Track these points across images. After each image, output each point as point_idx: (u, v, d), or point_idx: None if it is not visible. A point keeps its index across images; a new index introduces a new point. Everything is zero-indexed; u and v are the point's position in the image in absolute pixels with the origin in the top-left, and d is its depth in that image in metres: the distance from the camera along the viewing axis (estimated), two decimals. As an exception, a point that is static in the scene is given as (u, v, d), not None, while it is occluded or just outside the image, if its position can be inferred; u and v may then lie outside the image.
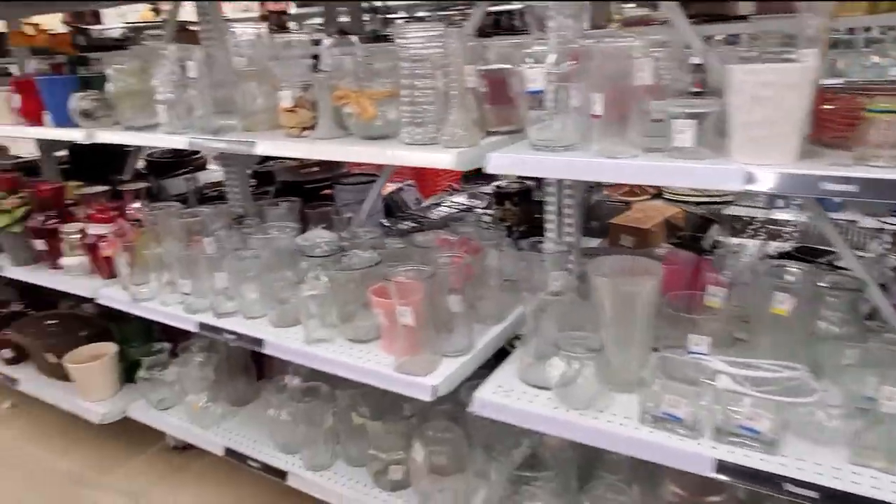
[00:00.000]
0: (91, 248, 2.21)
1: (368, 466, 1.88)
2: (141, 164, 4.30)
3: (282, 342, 1.75)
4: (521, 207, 2.58)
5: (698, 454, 1.20)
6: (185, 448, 2.50)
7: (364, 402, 1.87)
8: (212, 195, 3.10)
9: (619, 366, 1.38)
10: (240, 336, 1.82)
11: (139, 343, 2.47)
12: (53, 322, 2.62)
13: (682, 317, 1.44)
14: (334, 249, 1.78)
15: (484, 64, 1.59)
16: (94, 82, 2.22)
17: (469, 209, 2.72)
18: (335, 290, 1.70)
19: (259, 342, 1.78)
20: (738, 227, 2.51)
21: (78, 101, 2.10)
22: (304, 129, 1.73)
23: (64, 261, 2.29)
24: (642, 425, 1.29)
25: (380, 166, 3.02)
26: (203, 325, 1.91)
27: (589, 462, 1.63)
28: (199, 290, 1.96)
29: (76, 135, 2.14)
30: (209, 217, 2.07)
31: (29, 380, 2.59)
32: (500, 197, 2.64)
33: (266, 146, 1.71)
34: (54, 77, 2.18)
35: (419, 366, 1.53)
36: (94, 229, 2.20)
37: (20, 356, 2.72)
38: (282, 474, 1.95)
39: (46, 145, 3.29)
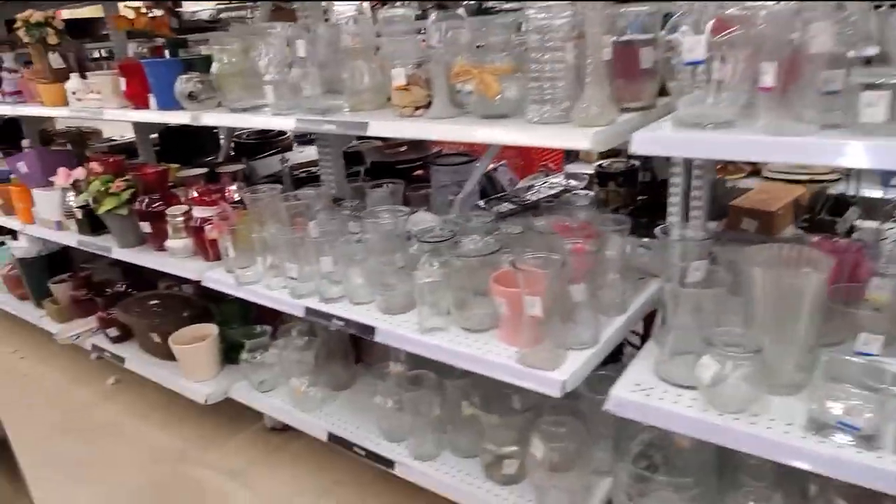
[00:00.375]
0: (196, 231, 2.22)
1: (480, 458, 1.82)
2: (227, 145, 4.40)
3: (394, 330, 1.69)
4: (627, 189, 2.45)
5: (882, 470, 1.07)
6: (283, 429, 2.52)
7: (475, 393, 1.81)
8: (301, 176, 3.09)
9: (776, 366, 1.25)
10: (349, 322, 1.78)
11: (238, 324, 2.49)
12: (156, 302, 2.67)
13: (844, 312, 1.30)
14: (448, 234, 1.70)
15: (612, 33, 1.46)
16: (197, 64, 2.21)
17: (566, 190, 2.60)
18: (450, 276, 1.63)
19: (370, 329, 1.73)
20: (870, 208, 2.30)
21: (183, 84, 2.09)
22: (418, 108, 1.66)
23: (169, 243, 2.31)
24: (809, 433, 1.16)
25: (477, 146, 2.94)
26: (310, 311, 1.88)
27: (723, 465, 1.51)
28: (304, 274, 1.93)
29: (182, 117, 2.13)
30: (312, 200, 2.03)
31: (134, 358, 2.66)
32: (602, 178, 2.51)
33: (379, 127, 1.65)
34: (159, 60, 2.19)
35: (545, 359, 1.44)
36: (199, 212, 2.20)
37: (125, 335, 2.79)
38: (389, 463, 1.91)
39: (142, 128, 3.36)
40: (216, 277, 2.16)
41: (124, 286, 2.87)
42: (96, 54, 4.02)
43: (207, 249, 2.23)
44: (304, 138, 3.78)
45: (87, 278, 3.00)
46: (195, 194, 2.30)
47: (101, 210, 2.37)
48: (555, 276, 1.37)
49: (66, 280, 3.04)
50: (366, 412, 2.14)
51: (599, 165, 2.55)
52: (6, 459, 1.33)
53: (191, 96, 2.09)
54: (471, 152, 2.65)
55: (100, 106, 2.46)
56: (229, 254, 2.06)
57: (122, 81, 2.27)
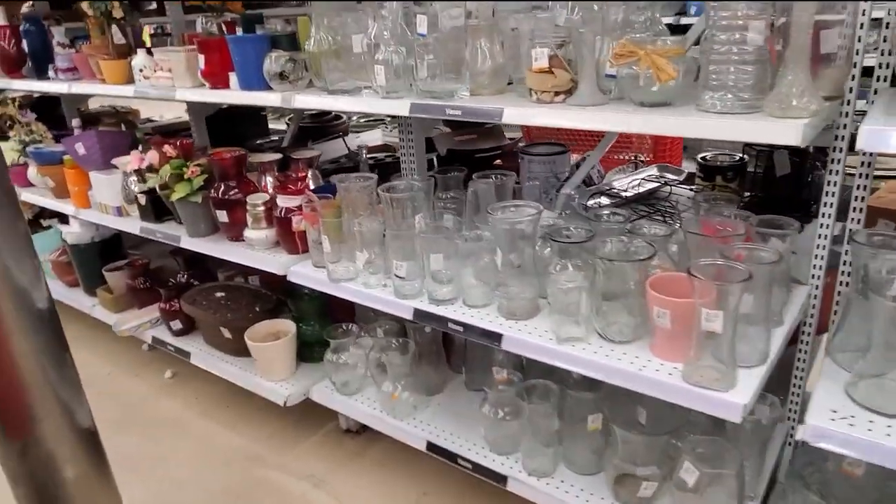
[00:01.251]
0: (280, 222, 2.06)
1: (606, 476, 1.67)
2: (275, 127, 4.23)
3: (524, 338, 1.54)
4: (737, 184, 2.27)
5: None
6: (358, 432, 2.38)
7: (602, 406, 1.66)
8: (370, 163, 2.92)
9: None
10: (469, 328, 1.63)
11: (314, 321, 2.34)
12: (223, 295, 2.52)
13: None
14: (584, 234, 1.54)
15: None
16: (283, 42, 2.04)
17: (665, 184, 2.43)
18: (593, 282, 1.47)
19: (496, 337, 1.58)
20: None
21: (273, 62, 1.92)
22: (558, 93, 1.49)
23: (248, 233, 2.16)
24: None
25: (572, 134, 2.78)
26: (420, 313, 1.73)
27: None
28: (409, 272, 1.77)
29: (269, 99, 1.97)
30: (415, 192, 1.87)
31: (200, 354, 2.52)
32: (708, 172, 2.33)
33: (516, 114, 1.49)
34: (246, 37, 2.02)
35: (715, 379, 1.29)
36: (284, 201, 2.04)
37: (187, 328, 2.65)
38: (501, 478, 1.77)
39: (197, 109, 3.19)
40: (304, 272, 2.01)
41: (186, 276, 2.73)
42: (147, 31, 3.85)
43: (293, 242, 2.08)
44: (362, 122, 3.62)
45: (145, 266, 2.85)
46: (277, 182, 2.15)
47: (174, 197, 2.21)
48: (743, 287, 1.21)
49: (122, 268, 2.90)
50: (463, 420, 2.00)
51: (703, 158, 2.38)
52: (95, 452, 1.20)
53: (282, 76, 1.92)
54: (561, 142, 2.48)
55: (171, 85, 2.30)
56: (324, 248, 1.90)
57: (201, 59, 2.10)
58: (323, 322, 2.35)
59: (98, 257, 2.96)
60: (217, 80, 2.13)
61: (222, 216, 2.21)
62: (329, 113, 3.55)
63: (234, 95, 2.08)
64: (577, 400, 1.68)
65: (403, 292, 1.78)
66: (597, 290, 1.48)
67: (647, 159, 2.66)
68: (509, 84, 1.72)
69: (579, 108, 1.42)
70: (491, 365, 2.12)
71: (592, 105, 1.43)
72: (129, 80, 2.51)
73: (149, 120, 4.51)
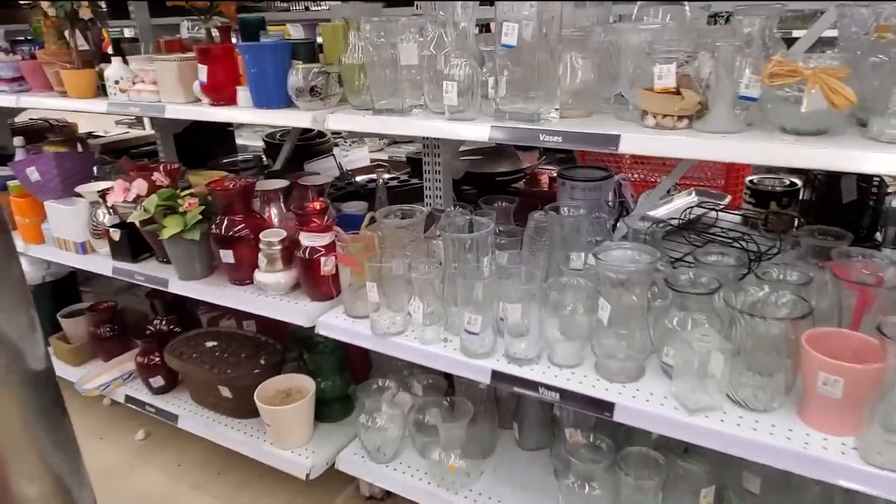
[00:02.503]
0: (304, 264, 1.74)
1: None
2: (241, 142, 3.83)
3: (644, 408, 1.29)
4: (792, 210, 2.13)
5: None
6: (383, 498, 2.07)
7: (712, 477, 1.44)
8: (372, 188, 2.61)
9: None
10: (567, 394, 1.37)
11: (333, 375, 2.02)
12: (216, 345, 2.15)
13: None
14: (711, 281, 1.32)
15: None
16: (300, 51, 1.73)
17: (711, 209, 2.25)
18: (733, 341, 1.25)
19: (605, 406, 1.32)
20: None
21: (301, 75, 1.60)
22: (682, 117, 1.26)
23: (260, 277, 1.81)
24: None
25: (610, 158, 2.57)
26: (500, 376, 1.45)
27: None
28: (476, 324, 1.50)
29: (294, 118, 1.65)
30: (483, 230, 1.60)
31: (191, 416, 2.13)
32: (760, 196, 2.18)
33: (636, 141, 1.24)
34: (265, 44, 1.69)
35: (905, 458, 1.09)
36: (310, 239, 1.72)
37: (170, 384, 2.26)
38: (595, 565, 1.51)
39: (165, 124, 2.79)
40: (335, 324, 1.69)
41: (164, 321, 2.33)
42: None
43: (319, 287, 1.76)
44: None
45: (111, 311, 2.42)
46: (296, 215, 1.82)
47: (166, 234, 1.84)
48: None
49: (82, 313, 2.46)
50: (528, 490, 1.73)
51: (751, 182, 2.23)
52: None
53: (313, 92, 1.61)
54: (603, 165, 2.26)
55: (157, 100, 1.93)
56: (369, 297, 1.59)
57: (202, 70, 1.75)
58: (342, 375, 2.02)
59: (51, 300, 2.51)
60: (221, 95, 1.79)
61: (226, 256, 1.85)
62: (310, 130, 3.21)
63: (246, 115, 1.74)
64: (686, 471, 1.45)
65: (474, 350, 1.50)
66: (735, 350, 1.26)
67: (679, 182, 2.49)
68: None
69: (719, 136, 1.20)
70: (547, 419, 1.88)
71: (731, 132, 1.21)
72: (99, 93, 2.12)
73: (90, 135, 4.00)
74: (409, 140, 4.00)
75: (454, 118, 1.44)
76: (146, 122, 4.14)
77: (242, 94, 1.76)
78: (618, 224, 1.94)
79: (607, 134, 1.26)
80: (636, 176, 2.66)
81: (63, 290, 2.59)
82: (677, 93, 1.24)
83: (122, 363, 2.37)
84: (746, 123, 1.26)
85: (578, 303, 1.43)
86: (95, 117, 3.08)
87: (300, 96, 1.62)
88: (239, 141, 3.81)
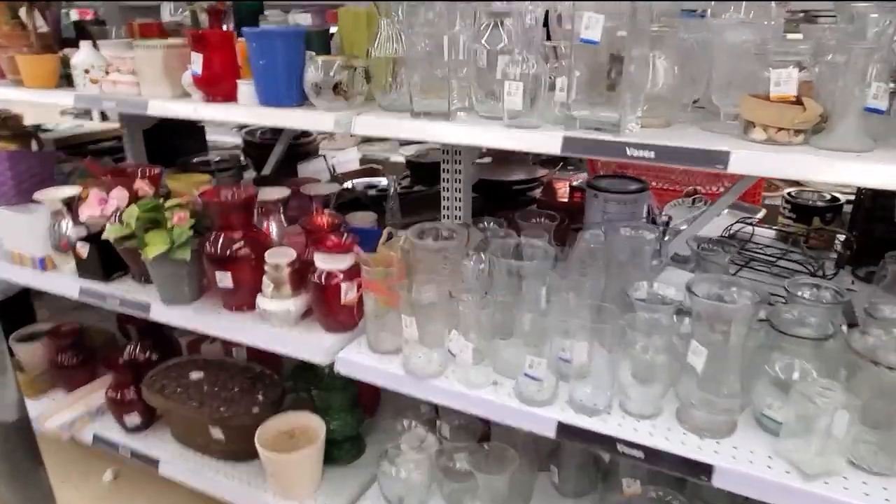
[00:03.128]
0: (320, 290, 1.48)
1: None
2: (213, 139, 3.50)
3: (750, 472, 1.10)
4: (834, 227, 1.98)
5: None
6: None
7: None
8: (373, 195, 2.36)
9: None
10: (655, 454, 1.16)
11: (343, 413, 1.76)
12: (204, 376, 1.87)
13: None
14: (823, 325, 1.13)
15: None
16: (313, 41, 1.48)
17: (746, 223, 2.09)
18: (862, 394, 1.07)
19: (702, 469, 1.12)
20: None
21: (322, 69, 1.35)
22: (798, 131, 1.07)
23: (265, 304, 1.55)
24: None
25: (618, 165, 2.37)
26: (568, 430, 1.24)
27: None
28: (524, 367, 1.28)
29: (312, 120, 1.39)
30: (542, 257, 1.38)
31: (175, 462, 1.84)
32: (801, 211, 2.03)
33: (752, 160, 1.04)
34: (277, 31, 1.41)
35: None
36: (327, 262, 1.46)
37: (147, 420, 1.96)
38: None
39: (133, 120, 2.48)
40: (359, 362, 1.44)
41: (138, 347, 2.03)
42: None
43: (337, 316, 1.50)
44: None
45: (75, 335, 2.10)
46: (308, 231, 1.57)
47: (150, 253, 1.55)
48: None
49: (40, 337, 2.13)
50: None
51: (789, 194, 2.07)
52: None
53: (337, 89, 1.36)
54: (633, 175, 2.07)
55: (137, 93, 1.64)
56: (406, 333, 1.35)
57: (197, 60, 1.47)
58: (353, 413, 1.78)
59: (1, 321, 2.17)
60: (218, 90, 1.52)
61: (223, 279, 1.58)
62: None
63: (250, 114, 1.47)
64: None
65: (535, 396, 1.28)
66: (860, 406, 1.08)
67: (705, 192, 2.33)
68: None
69: (851, 156, 1.01)
70: (589, 462, 1.68)
71: (859, 150, 1.03)
72: (62, 83, 1.80)
73: (39, 128, 3.59)
74: (383, 138, 3.73)
75: (515, 125, 1.22)
76: (95, 113, 3.73)
77: (245, 89, 1.48)
78: (664, 243, 1.76)
79: (714, 150, 1.06)
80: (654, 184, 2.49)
81: (15, 309, 2.25)
82: (797, 102, 1.05)
83: (88, 395, 2.06)
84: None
85: (656, 342, 1.23)
86: (41, 107, 2.72)
87: (320, 94, 1.37)
88: (212, 137, 3.48)
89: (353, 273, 1.47)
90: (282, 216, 1.79)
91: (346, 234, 1.52)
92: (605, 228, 1.48)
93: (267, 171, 2.49)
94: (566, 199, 2.28)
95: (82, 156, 2.97)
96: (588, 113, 1.17)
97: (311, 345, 1.50)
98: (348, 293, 1.47)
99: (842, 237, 1.96)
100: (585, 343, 1.24)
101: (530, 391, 1.29)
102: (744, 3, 1.27)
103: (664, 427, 1.21)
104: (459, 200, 1.91)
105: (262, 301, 1.56)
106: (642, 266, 1.44)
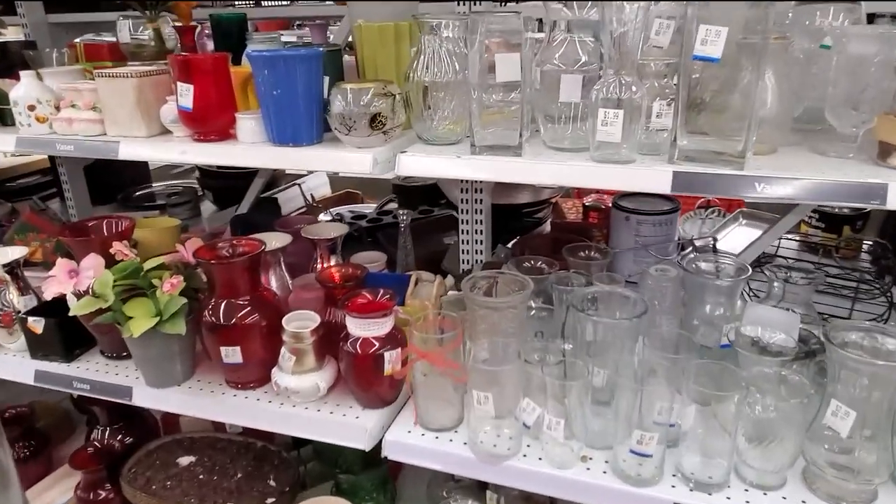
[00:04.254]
0: (357, 361, 1.23)
1: None
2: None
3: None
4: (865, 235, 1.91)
5: None
6: None
7: None
8: (369, 227, 2.10)
9: None
10: (800, 536, 1.00)
11: (375, 494, 1.51)
12: (197, 460, 1.57)
13: None
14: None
15: None
16: (329, 63, 1.23)
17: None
18: None
19: (862, 551, 0.97)
20: None
21: (353, 100, 1.10)
22: (951, 156, 0.93)
23: (285, 381, 1.28)
24: None
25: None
26: (689, 513, 1.05)
27: None
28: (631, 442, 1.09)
29: (350, 162, 1.14)
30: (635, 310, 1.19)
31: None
32: (830, 220, 1.94)
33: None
34: (293, 53, 1.14)
35: None
36: (363, 327, 1.21)
37: (127, 519, 1.63)
38: None
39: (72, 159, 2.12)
40: (415, 445, 1.20)
41: (108, 430, 1.69)
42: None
43: (376, 390, 1.26)
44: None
45: (24, 420, 1.74)
46: (287, 279, 1.32)
47: (136, 331, 1.25)
48: None
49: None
50: None
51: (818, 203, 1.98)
52: None
53: (375, 122, 1.12)
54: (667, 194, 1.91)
55: (101, 132, 1.34)
56: (475, 408, 1.13)
57: (185, 91, 1.19)
58: (385, 491, 1.53)
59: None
60: (212, 127, 1.24)
61: (231, 354, 1.30)
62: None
63: (260, 156, 1.20)
64: None
65: (639, 474, 1.09)
66: None
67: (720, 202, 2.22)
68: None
69: None
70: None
71: None
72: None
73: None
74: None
75: (607, 159, 1.02)
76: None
77: (248, 124, 1.22)
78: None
79: (866, 184, 0.90)
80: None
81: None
82: (959, 123, 0.91)
83: (44, 493, 1.70)
84: None
85: (774, 398, 1.06)
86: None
87: (353, 129, 1.12)
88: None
89: (394, 337, 1.24)
90: (283, 269, 1.52)
91: (381, 292, 1.28)
92: (680, 260, 1.31)
93: (244, 207, 2.18)
94: (579, 220, 2.11)
95: (4, 195, 2.57)
96: (699, 142, 0.99)
97: (348, 427, 1.25)
98: (392, 363, 1.23)
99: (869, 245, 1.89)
100: (694, 406, 1.06)
101: (633, 468, 1.10)
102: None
103: (797, 501, 1.05)
104: (480, 238, 1.70)
105: (280, 377, 1.29)
106: (732, 307, 1.28)
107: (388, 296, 1.28)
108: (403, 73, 1.17)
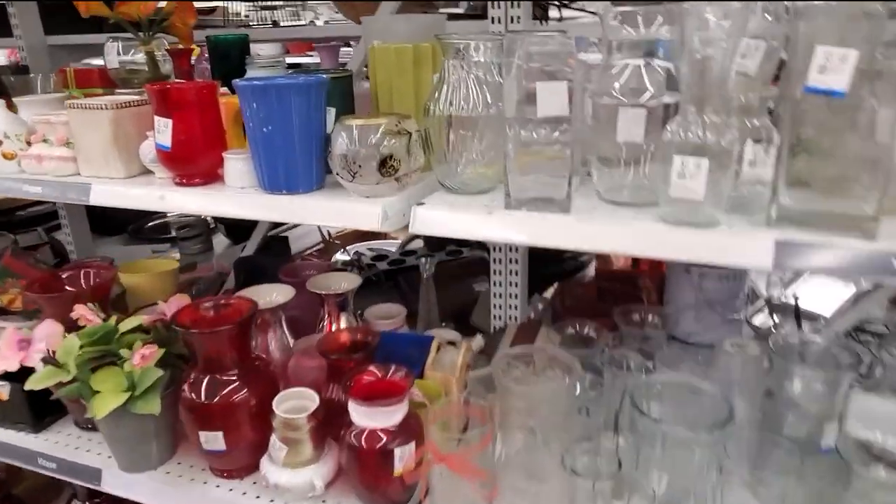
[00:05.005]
0: (361, 456, 1.00)
1: None
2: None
3: None
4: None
5: None
6: None
7: None
8: (389, 270, 1.88)
9: None
10: None
11: None
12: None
13: None
14: None
15: None
16: (336, 92, 1.02)
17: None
18: None
19: None
20: None
21: (360, 138, 0.89)
22: None
23: (276, 476, 1.05)
24: None
25: None
26: None
27: None
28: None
29: (353, 216, 0.92)
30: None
31: None
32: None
33: None
34: (290, 82, 0.93)
35: None
36: (370, 417, 0.98)
37: None
38: None
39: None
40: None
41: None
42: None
43: (384, 488, 1.02)
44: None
45: (1, 486, 1.56)
46: (288, 341, 1.09)
47: (100, 411, 1.04)
48: None
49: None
50: None
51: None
52: None
53: (385, 166, 0.90)
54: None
55: (74, 171, 1.15)
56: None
57: (164, 127, 0.99)
58: None
59: None
60: (196, 169, 1.04)
61: (212, 441, 1.08)
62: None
63: (251, 205, 0.99)
64: None
65: None
66: None
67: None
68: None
69: None
70: None
71: None
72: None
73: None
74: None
75: (684, 221, 0.78)
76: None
77: (237, 166, 1.01)
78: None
79: None
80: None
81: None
82: None
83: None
84: None
85: None
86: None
87: (357, 174, 0.90)
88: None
89: (408, 428, 1.00)
90: (283, 328, 1.31)
91: (393, 369, 1.05)
92: (757, 326, 1.05)
93: (251, 247, 1.98)
94: (628, 268, 1.85)
95: (10, 226, 2.43)
96: (807, 200, 0.75)
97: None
98: (404, 461, 0.99)
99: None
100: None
101: None
102: None
103: None
104: (516, 284, 1.46)
105: (270, 470, 1.07)
106: (822, 392, 1.02)
107: (401, 374, 1.05)
108: (423, 104, 0.95)
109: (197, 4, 1.56)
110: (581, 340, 1.21)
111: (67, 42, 1.83)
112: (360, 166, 0.90)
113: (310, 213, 0.94)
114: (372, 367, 1.06)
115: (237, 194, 1.00)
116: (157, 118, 1.00)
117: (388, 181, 0.91)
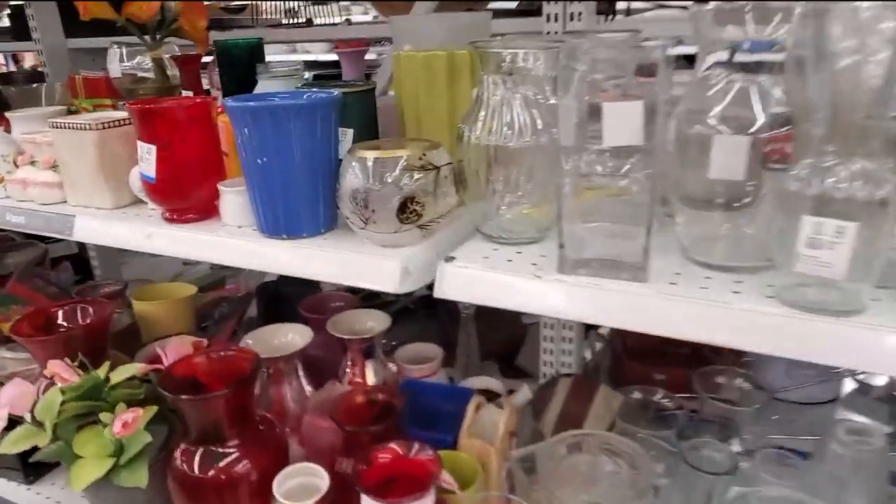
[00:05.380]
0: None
1: None
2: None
3: None
4: None
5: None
6: None
7: None
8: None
9: None
10: None
11: None
12: None
13: None
14: None
15: None
16: (354, 109, 0.83)
17: None
18: None
19: None
20: None
21: (375, 174, 0.70)
22: None
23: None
24: None
25: None
26: None
27: None
28: None
29: (362, 272, 0.74)
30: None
31: None
32: None
33: None
34: (291, 101, 0.76)
35: None
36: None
37: None
38: None
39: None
40: None
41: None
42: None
43: None
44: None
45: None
46: (305, 391, 0.91)
47: (78, 483, 0.90)
48: None
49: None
50: None
51: None
52: None
53: (406, 210, 0.70)
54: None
55: (61, 199, 1.00)
56: None
57: (149, 154, 0.83)
58: None
59: None
60: (186, 204, 0.87)
61: (205, 521, 0.92)
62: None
63: (246, 252, 0.81)
64: None
65: None
66: None
67: None
68: None
69: None
70: None
71: None
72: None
73: None
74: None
75: (814, 306, 0.55)
76: None
77: (233, 201, 0.83)
78: None
79: None
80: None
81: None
82: None
83: None
84: None
85: None
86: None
87: (371, 219, 0.71)
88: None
89: (434, 523, 0.81)
90: (300, 377, 1.13)
91: (418, 447, 0.86)
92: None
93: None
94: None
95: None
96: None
97: None
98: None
99: None
100: None
101: None
102: None
103: None
104: (570, 329, 1.25)
105: (272, 562, 0.90)
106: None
107: (427, 454, 0.85)
108: (458, 129, 0.75)
109: (225, 3, 1.41)
110: (650, 409, 1.00)
111: (90, 45, 1.71)
112: (373, 210, 0.71)
113: (310, 264, 0.76)
114: (393, 444, 0.87)
115: (233, 235, 0.83)
116: (139, 143, 0.83)
117: (410, 229, 0.72)
